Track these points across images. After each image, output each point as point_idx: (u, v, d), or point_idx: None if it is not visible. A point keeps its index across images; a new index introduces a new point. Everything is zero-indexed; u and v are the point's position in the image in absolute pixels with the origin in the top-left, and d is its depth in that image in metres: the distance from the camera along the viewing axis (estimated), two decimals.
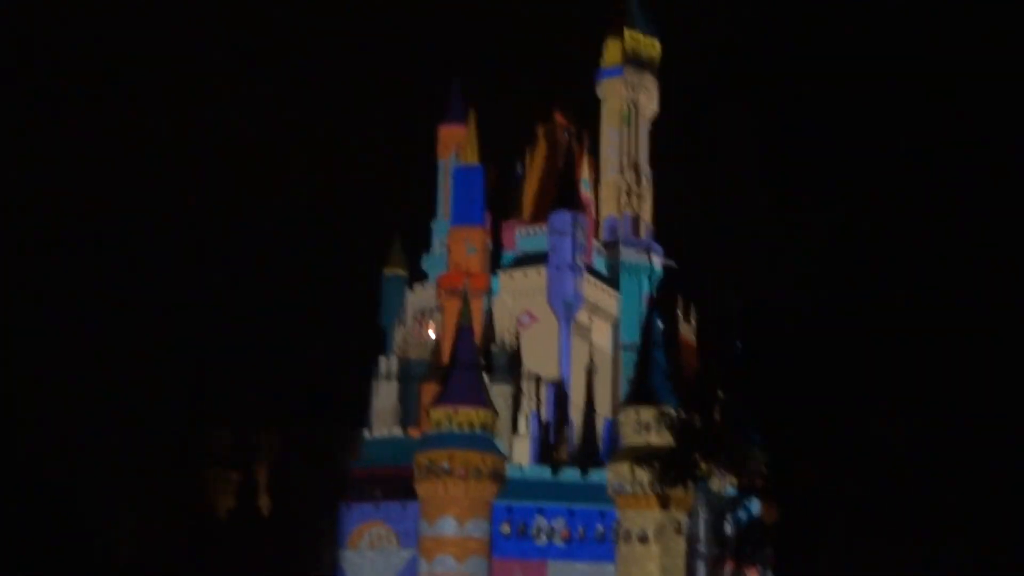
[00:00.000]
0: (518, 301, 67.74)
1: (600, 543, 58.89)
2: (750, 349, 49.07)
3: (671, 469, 55.55)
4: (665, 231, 72.44)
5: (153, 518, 65.53)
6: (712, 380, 58.54)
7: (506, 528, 58.93)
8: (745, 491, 58.11)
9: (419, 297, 70.08)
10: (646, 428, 58.56)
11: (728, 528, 60.30)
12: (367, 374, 66.36)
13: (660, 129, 74.03)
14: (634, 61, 73.90)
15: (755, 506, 60.30)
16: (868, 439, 44.68)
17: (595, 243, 70.70)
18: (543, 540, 58.93)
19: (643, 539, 58.01)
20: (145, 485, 64.08)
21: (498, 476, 58.95)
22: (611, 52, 74.18)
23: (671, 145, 72.38)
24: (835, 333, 44.56)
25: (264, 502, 63.82)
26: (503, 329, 66.17)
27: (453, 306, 64.55)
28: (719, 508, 60.33)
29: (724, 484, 59.81)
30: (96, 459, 61.55)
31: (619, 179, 72.54)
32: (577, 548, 58.88)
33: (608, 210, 72.42)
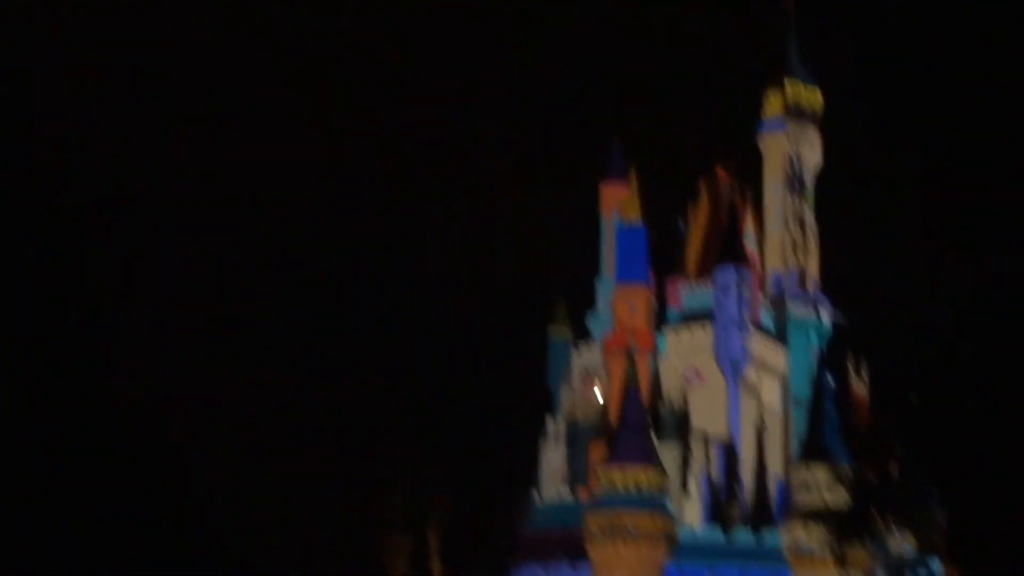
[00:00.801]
0: (684, 359, 67.07)
1: None
2: (926, 402, 47.93)
3: (847, 527, 54.36)
4: (833, 285, 71.28)
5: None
6: (887, 435, 57.28)
7: None
8: (924, 550, 56.59)
9: (585, 357, 69.83)
10: (820, 486, 57.35)
11: None
12: (535, 436, 66.35)
13: (824, 181, 73.02)
14: (795, 112, 73.02)
15: (935, 566, 58.58)
16: None
17: (761, 299, 69.77)
18: None
19: None
20: (322, 551, 64.81)
21: (669, 538, 58.25)
22: (772, 104, 73.40)
23: (837, 197, 71.41)
24: (1014, 385, 43.21)
25: (436, 567, 63.95)
26: (670, 388, 65.56)
27: (619, 366, 64.22)
28: (898, 568, 58.73)
29: (903, 543, 58.29)
30: (274, 525, 62.48)
31: (784, 233, 71.58)
32: None
33: (773, 265, 71.46)
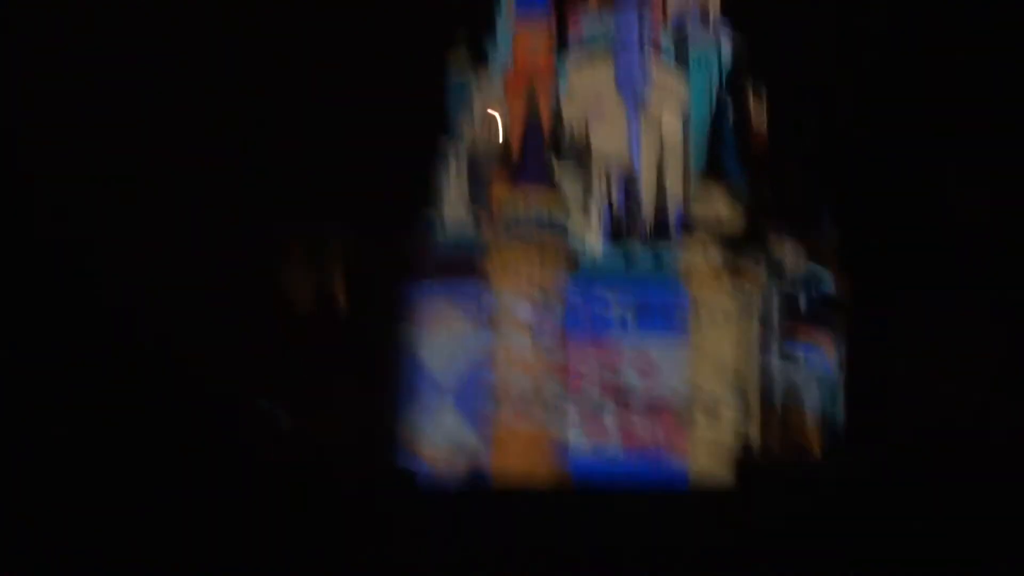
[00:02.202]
0: (586, 89, 66.96)
1: (673, 320, 59.00)
2: (821, 123, 48.62)
3: (742, 242, 55.54)
4: (734, 11, 70.96)
5: (237, 321, 66.64)
6: (782, 155, 58.15)
7: (579, 308, 59.25)
8: (816, 263, 58.04)
9: (485, 91, 69.46)
10: (717, 205, 58.29)
11: (800, 301, 60.32)
12: (435, 166, 66.39)
13: None
14: None
15: (825, 277, 60.18)
16: (938, 203, 44.29)
17: (662, 28, 69.46)
18: (615, 319, 59.17)
19: (716, 314, 58.06)
20: (224, 294, 64.99)
21: (570, 259, 59.21)
22: None
23: None
24: (906, 97, 43.93)
25: (341, 297, 64.56)
26: (572, 117, 65.68)
27: (520, 101, 64.18)
28: (790, 282, 60.28)
29: (796, 258, 59.75)
30: (172, 280, 62.28)
31: None
32: (649, 325, 59.08)
33: None
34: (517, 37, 66.66)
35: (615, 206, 63.63)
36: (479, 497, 54.97)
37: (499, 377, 58.24)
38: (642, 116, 65.85)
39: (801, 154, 56.35)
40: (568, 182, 62.02)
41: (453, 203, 64.19)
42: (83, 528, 38.25)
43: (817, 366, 62.21)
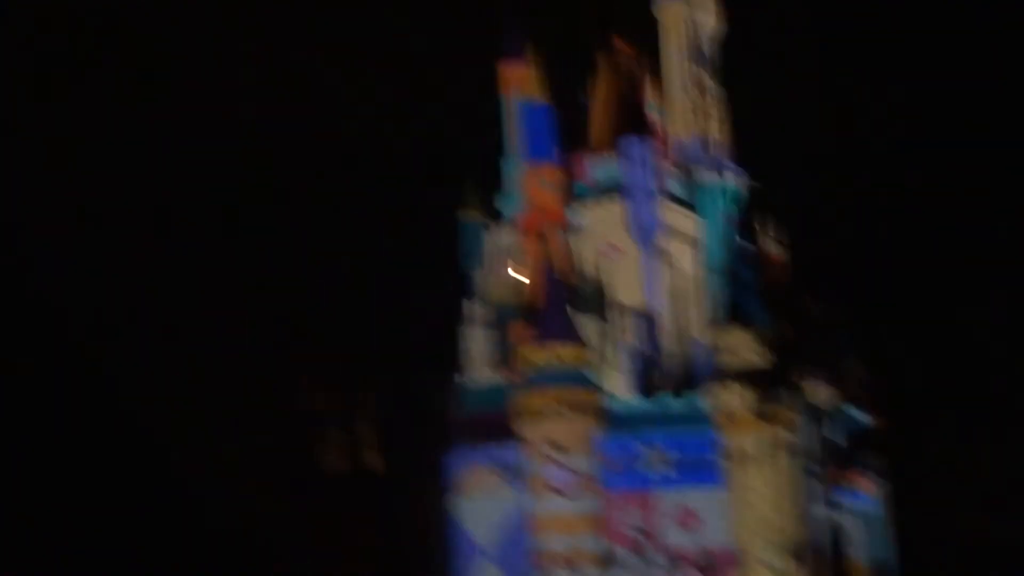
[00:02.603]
0: (598, 234, 67.50)
1: (708, 467, 58.92)
2: (839, 256, 48.93)
3: (770, 384, 55.64)
4: (739, 148, 71.69)
5: (263, 479, 66.57)
6: (803, 292, 58.35)
7: (613, 461, 59.14)
8: (844, 400, 58.09)
9: (497, 239, 70.05)
10: (741, 348, 58.44)
11: (835, 440, 60.32)
12: (455, 321, 66.66)
13: (725, 46, 73.13)
14: None
15: (856, 414, 60.20)
16: (964, 330, 44.37)
17: (668, 167, 70.21)
18: (650, 471, 59.09)
19: (750, 458, 57.99)
20: (256, 453, 65.01)
21: (598, 410, 59.16)
22: None
23: (735, 60, 71.67)
24: (920, 232, 44.16)
25: (372, 458, 64.51)
26: (586, 263, 66.07)
27: (534, 245, 64.68)
28: (820, 419, 60.28)
29: (827, 398, 59.81)
30: (204, 433, 62.45)
31: (685, 100, 71.82)
32: (684, 475, 58.96)
33: (677, 132, 71.70)
34: (527, 182, 67.31)
35: (638, 354, 63.79)
36: None
37: (540, 538, 57.99)
38: (657, 260, 66.23)
39: (822, 289, 56.55)
40: (588, 329, 62.26)
41: (479, 364, 64.36)
42: None
43: (862, 509, 62.15)
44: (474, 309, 66.89)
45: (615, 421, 59.48)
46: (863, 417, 58.41)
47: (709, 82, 72.62)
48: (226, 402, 66.08)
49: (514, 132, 70.40)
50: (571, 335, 59.80)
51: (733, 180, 70.23)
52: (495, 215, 71.14)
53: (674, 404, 60.11)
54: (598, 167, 69.25)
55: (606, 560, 58.01)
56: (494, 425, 60.21)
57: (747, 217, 68.09)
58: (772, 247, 69.22)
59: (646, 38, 73.54)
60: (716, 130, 72.06)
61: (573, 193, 68.86)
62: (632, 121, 68.40)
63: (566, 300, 61.20)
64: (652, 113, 71.10)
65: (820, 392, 59.59)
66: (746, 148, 71.41)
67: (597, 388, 59.70)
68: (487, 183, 71.96)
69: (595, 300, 63.56)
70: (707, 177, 69.78)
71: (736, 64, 71.95)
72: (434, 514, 61.02)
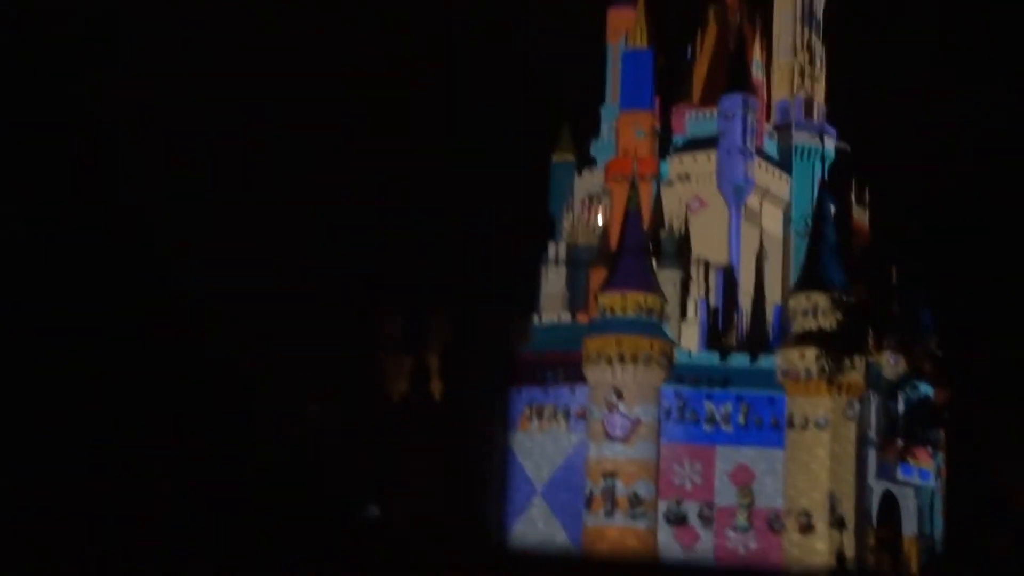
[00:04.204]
0: (687, 186, 67.01)
1: (770, 429, 58.29)
2: (925, 229, 47.88)
3: (841, 348, 54.64)
4: (839, 113, 70.74)
5: (330, 403, 67.07)
6: (885, 260, 57.35)
7: (675, 413, 58.71)
8: (916, 374, 57.06)
9: (587, 182, 69.85)
10: (817, 312, 57.50)
11: (899, 411, 59.27)
12: (536, 260, 66.59)
13: (834, 8, 71.96)
14: None
15: (927, 389, 59.19)
16: None
17: (766, 126, 69.39)
18: (711, 426, 58.60)
19: (814, 424, 57.25)
20: (322, 371, 65.53)
21: (666, 361, 58.67)
22: None
23: (846, 25, 70.44)
24: (1009, 210, 43.10)
25: (436, 386, 64.72)
26: (672, 214, 65.55)
27: (621, 191, 64.24)
28: (890, 391, 59.25)
29: (896, 369, 58.76)
30: (273, 347, 62.99)
31: (791, 60, 70.85)
32: (745, 434, 58.39)
33: (780, 93, 70.90)
34: (620, 128, 66.78)
35: (713, 307, 63.22)
36: None
37: (591, 478, 57.83)
38: (743, 215, 65.54)
39: (904, 260, 55.41)
40: (667, 280, 61.68)
41: (552, 302, 64.24)
42: None
43: (919, 484, 61.10)
44: (557, 250, 66.79)
45: (683, 374, 58.95)
46: (930, 392, 57.28)
47: (817, 45, 71.57)
48: (303, 320, 66.54)
49: (615, 79, 69.92)
50: (649, 284, 59.31)
51: (830, 144, 69.25)
52: (588, 160, 70.92)
53: (744, 363, 59.39)
54: (696, 120, 68.65)
55: (658, 509, 57.71)
56: (563, 366, 60.07)
57: (839, 182, 67.11)
58: (860, 214, 68.11)
59: None
60: (819, 93, 71.08)
61: (669, 144, 68.47)
62: (735, 77, 67.50)
63: (648, 249, 60.68)
64: (756, 72, 70.14)
65: (892, 363, 58.59)
66: (847, 113, 70.37)
67: (668, 339, 59.18)
68: (585, 129, 71.82)
69: (678, 252, 62.93)
70: (804, 139, 68.89)
71: (843, 27, 70.68)
72: (494, 447, 61.15)
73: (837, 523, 54.59)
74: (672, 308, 61.07)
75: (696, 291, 62.95)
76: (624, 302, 58.93)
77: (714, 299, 63.84)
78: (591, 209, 68.87)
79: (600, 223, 67.54)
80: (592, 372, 58.84)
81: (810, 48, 71.40)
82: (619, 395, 58.15)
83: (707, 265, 64.10)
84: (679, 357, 59.50)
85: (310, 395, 67.24)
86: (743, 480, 58.03)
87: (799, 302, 59.27)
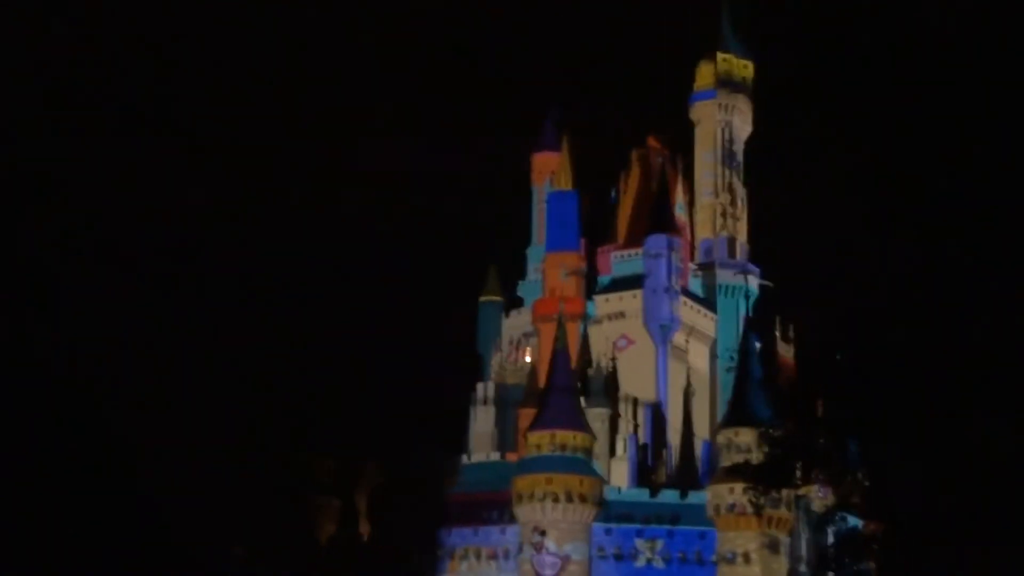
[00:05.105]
0: (614, 324, 67.61)
1: (700, 565, 58.21)
2: (848, 361, 48.40)
3: (768, 479, 54.77)
4: (761, 252, 72.01)
5: (258, 544, 66.16)
6: (811, 393, 57.75)
7: (605, 551, 58.50)
8: (843, 505, 57.24)
9: (515, 323, 70.30)
10: (745, 449, 57.81)
11: (828, 544, 59.36)
12: (465, 400, 66.65)
13: (754, 150, 73.70)
14: (727, 83, 73.67)
15: (855, 521, 59.28)
16: (969, 447, 43.74)
17: (691, 266, 70.41)
18: (642, 562, 58.41)
19: (744, 559, 57.27)
20: (250, 512, 64.73)
21: (597, 499, 58.65)
22: (704, 75, 74.06)
23: (765, 167, 72.05)
24: (933, 341, 43.83)
25: (365, 528, 64.15)
26: (599, 353, 65.99)
27: (549, 331, 64.64)
28: (818, 524, 59.43)
29: (825, 502, 58.98)
30: (203, 488, 62.30)
31: (713, 201, 72.28)
32: (677, 570, 58.26)
33: (703, 232, 72.15)
34: (547, 266, 67.48)
35: (642, 443, 63.41)
36: None
37: None
38: (669, 352, 66.14)
39: (829, 393, 55.89)
40: (595, 418, 61.91)
41: (481, 441, 64.18)
42: None
43: None
44: (485, 390, 66.90)
45: (613, 511, 58.89)
46: (858, 523, 57.48)
47: (738, 185, 73.07)
48: (231, 465, 65.96)
49: (541, 221, 70.90)
50: (577, 423, 59.54)
51: (753, 282, 70.33)
52: (516, 300, 71.46)
53: (673, 499, 59.41)
54: (622, 260, 69.56)
55: None
56: (493, 506, 59.86)
57: (762, 317, 68.01)
58: (785, 349, 68.92)
59: (680, 139, 74.28)
60: (741, 232, 72.40)
61: (595, 284, 69.21)
62: (659, 219, 68.63)
63: (576, 388, 61.01)
64: (680, 213, 71.36)
65: (819, 496, 58.85)
66: (769, 252, 71.62)
67: (599, 477, 59.23)
68: (511, 271, 72.49)
69: (606, 390, 63.31)
70: (728, 278, 69.94)
71: (763, 167, 72.26)
72: None
73: None
74: (601, 445, 61.29)
75: (625, 428, 63.28)
76: (553, 440, 59.07)
77: (643, 435, 64.13)
78: (519, 349, 69.23)
79: (528, 362, 67.83)
80: (522, 511, 58.66)
81: (731, 189, 72.90)
82: (549, 534, 57.92)
83: (635, 402, 64.51)
84: (609, 494, 59.55)
85: (236, 537, 66.33)
86: None
87: (727, 437, 59.68)
